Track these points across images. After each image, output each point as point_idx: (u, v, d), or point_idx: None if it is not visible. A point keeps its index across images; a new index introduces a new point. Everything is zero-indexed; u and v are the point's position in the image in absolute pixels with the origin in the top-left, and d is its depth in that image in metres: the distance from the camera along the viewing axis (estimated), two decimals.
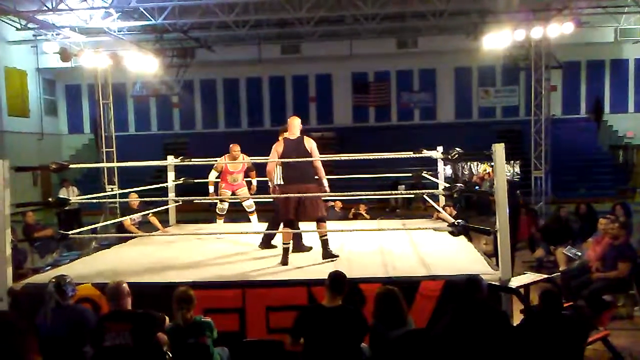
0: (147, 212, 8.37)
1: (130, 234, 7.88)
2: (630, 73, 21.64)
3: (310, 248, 6.42)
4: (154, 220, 8.41)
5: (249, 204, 7.93)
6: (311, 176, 6.04)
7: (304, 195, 5.89)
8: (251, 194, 8.02)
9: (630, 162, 20.71)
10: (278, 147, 6.10)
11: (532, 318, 4.15)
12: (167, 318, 4.13)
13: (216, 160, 7.77)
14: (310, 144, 6.04)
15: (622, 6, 15.63)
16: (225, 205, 7.99)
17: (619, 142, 21.42)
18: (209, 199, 8.90)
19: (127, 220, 8.20)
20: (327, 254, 5.96)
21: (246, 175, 8.01)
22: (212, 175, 7.83)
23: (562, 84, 21.63)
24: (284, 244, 5.92)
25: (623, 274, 6.51)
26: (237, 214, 11.78)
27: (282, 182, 6.02)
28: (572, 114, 21.77)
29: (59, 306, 4.21)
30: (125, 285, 4.16)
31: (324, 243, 6.00)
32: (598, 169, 19.50)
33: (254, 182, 8.09)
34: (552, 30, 14.01)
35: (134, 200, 8.36)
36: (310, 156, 5.99)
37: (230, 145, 7.74)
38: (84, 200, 9.53)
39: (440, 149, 7.65)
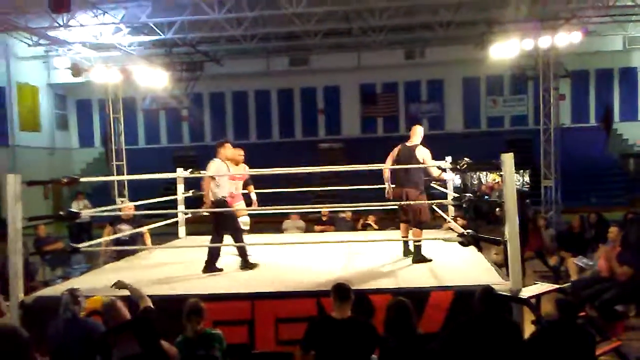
0: (146, 225, 7.72)
1: (139, 247, 7.73)
2: None
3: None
4: (146, 235, 7.73)
5: (245, 221, 7.28)
6: (413, 182, 6.29)
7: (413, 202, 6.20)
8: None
9: None
10: (393, 152, 6.51)
11: (548, 328, 4.11)
12: (151, 304, 4.13)
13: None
14: (422, 153, 6.30)
15: (630, 14, 15.59)
16: (247, 219, 7.34)
17: (629, 150, 21.25)
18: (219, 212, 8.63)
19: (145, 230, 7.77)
20: (419, 259, 6.19)
21: (243, 187, 7.44)
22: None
23: (571, 92, 21.56)
24: (416, 242, 6.29)
25: (625, 275, 6.41)
26: (265, 224, 11.80)
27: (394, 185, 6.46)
28: (582, 123, 21.67)
29: (71, 319, 4.22)
30: (118, 301, 4.17)
31: (418, 248, 6.24)
32: (608, 178, 19.36)
33: (254, 195, 7.58)
34: (560, 39, 14.00)
35: (128, 209, 7.67)
36: (418, 163, 6.25)
37: (234, 149, 7.20)
38: (94, 213, 9.58)
39: (449, 159, 7.64)
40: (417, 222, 6.34)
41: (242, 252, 6.33)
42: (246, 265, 6.27)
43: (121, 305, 4.14)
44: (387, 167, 6.51)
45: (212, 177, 6.29)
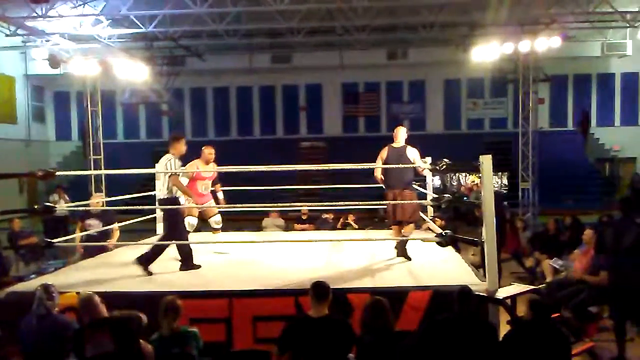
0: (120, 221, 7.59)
1: (115, 243, 7.58)
2: (617, 87, 21.91)
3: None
4: (115, 232, 7.50)
5: (217, 220, 7.20)
6: (404, 182, 6.48)
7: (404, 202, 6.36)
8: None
9: (616, 175, 20.94)
10: (382, 154, 6.60)
11: (521, 328, 4.16)
12: (144, 317, 4.09)
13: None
14: (412, 153, 6.49)
15: (609, 21, 15.85)
16: (195, 221, 7.11)
17: (605, 155, 21.64)
18: (203, 207, 8.46)
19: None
20: (403, 253, 6.36)
21: (211, 185, 7.30)
22: (184, 183, 6.75)
23: (550, 97, 21.84)
24: (404, 235, 6.47)
25: (604, 281, 6.51)
26: (244, 223, 11.68)
27: (385, 187, 6.61)
28: (560, 127, 21.98)
29: (44, 315, 4.15)
30: (95, 296, 4.12)
31: (403, 243, 6.39)
32: (585, 182, 19.69)
33: (221, 195, 7.47)
34: (540, 44, 14.19)
35: (96, 203, 7.44)
36: (409, 163, 6.42)
37: (204, 147, 7.15)
38: (69, 208, 9.43)
39: (428, 159, 7.69)
40: (412, 220, 6.60)
41: (184, 251, 6.09)
42: (187, 266, 6.06)
43: (98, 300, 4.08)
44: (377, 166, 6.55)
45: (176, 174, 6.08)
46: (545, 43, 14.14)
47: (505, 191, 18.87)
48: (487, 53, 15.10)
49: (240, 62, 20.64)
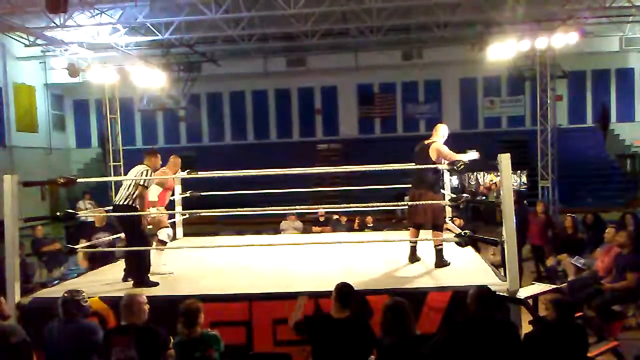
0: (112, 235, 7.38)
1: (135, 248, 7.63)
2: (636, 82, 21.55)
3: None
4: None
5: (169, 233, 6.71)
6: (427, 182, 6.12)
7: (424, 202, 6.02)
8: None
9: (637, 171, 20.58)
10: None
11: (545, 328, 4.11)
12: (171, 339, 4.11)
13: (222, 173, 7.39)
14: (433, 149, 6.03)
15: (626, 15, 15.63)
16: (171, 232, 6.86)
17: (626, 151, 21.29)
18: (218, 212, 8.30)
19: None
20: (440, 263, 6.00)
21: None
22: (155, 192, 6.47)
23: (568, 93, 21.59)
24: (437, 246, 6.03)
25: (632, 284, 6.44)
26: (262, 226, 11.65)
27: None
28: (579, 124, 21.70)
29: (69, 320, 4.21)
30: (140, 297, 4.16)
31: (439, 252, 6.03)
32: (605, 178, 19.39)
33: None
34: (557, 40, 14.02)
35: (98, 218, 6.90)
36: (432, 163, 6.02)
37: (172, 157, 6.94)
38: (90, 214, 9.54)
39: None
40: (434, 224, 6.19)
41: (142, 265, 5.78)
42: (141, 282, 5.65)
43: (142, 300, 4.11)
44: (379, 167, 6.47)
45: (145, 187, 5.89)
46: (562, 39, 13.96)
47: (524, 189, 18.66)
48: (503, 51, 14.97)
49: (256, 66, 20.75)
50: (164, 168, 6.79)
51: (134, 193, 5.83)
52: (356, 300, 4.22)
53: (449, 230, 7.62)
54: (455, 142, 6.47)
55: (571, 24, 14.13)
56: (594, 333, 5.81)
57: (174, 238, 7.98)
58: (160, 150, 6.45)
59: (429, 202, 6.00)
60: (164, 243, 6.52)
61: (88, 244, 7.70)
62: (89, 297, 4.74)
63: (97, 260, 7.39)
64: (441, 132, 6.31)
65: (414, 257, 6.33)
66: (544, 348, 3.92)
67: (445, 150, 6.05)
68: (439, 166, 6.43)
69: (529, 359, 3.91)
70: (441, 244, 6.06)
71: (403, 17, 15.65)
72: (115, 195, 6.06)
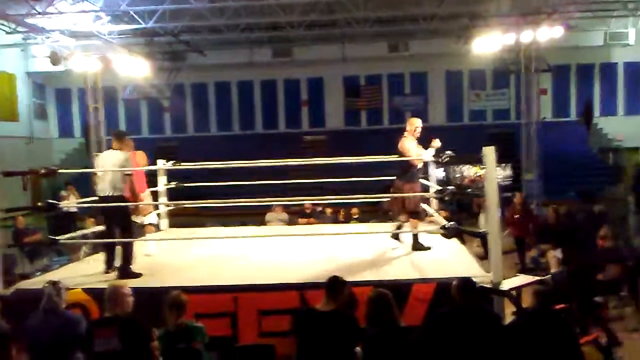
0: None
1: (118, 240, 7.58)
2: (620, 76, 21.78)
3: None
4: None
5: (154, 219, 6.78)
6: (402, 173, 6.45)
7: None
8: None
9: (620, 165, 20.86)
10: None
11: (526, 317, 4.16)
12: (155, 330, 4.08)
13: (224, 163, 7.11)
14: (402, 143, 6.37)
15: (611, 10, 15.77)
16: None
17: (609, 145, 21.54)
18: (206, 204, 8.45)
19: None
20: (416, 246, 6.33)
21: None
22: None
23: (552, 87, 21.75)
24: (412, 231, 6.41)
25: (616, 276, 6.53)
26: (248, 217, 11.60)
27: None
28: (563, 117, 21.88)
29: (52, 311, 4.16)
30: (124, 288, 4.12)
31: (414, 237, 6.36)
32: (588, 172, 19.61)
33: None
34: (541, 34, 14.12)
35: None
36: (403, 156, 6.33)
37: (127, 139, 6.44)
38: (71, 205, 9.45)
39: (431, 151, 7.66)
40: (408, 212, 6.44)
41: (127, 255, 5.71)
42: (125, 273, 5.58)
43: (127, 292, 4.07)
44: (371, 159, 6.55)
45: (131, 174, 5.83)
46: (547, 33, 14.06)
47: (509, 182, 18.80)
48: (488, 44, 15.04)
49: (241, 56, 20.58)
50: (135, 153, 6.63)
51: (119, 183, 5.72)
52: (346, 294, 4.21)
53: (433, 222, 7.66)
54: (442, 135, 6.50)
55: (556, 18, 14.22)
56: (576, 324, 5.88)
57: (158, 229, 7.96)
58: (144, 140, 6.39)
59: (405, 194, 6.27)
60: (154, 225, 6.73)
61: (72, 234, 7.60)
62: (70, 288, 4.69)
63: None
64: (412, 125, 6.52)
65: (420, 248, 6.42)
66: (525, 337, 3.96)
67: (407, 145, 6.34)
68: (425, 157, 6.46)
69: (511, 347, 3.95)
70: (416, 229, 6.42)
71: (390, 8, 15.63)
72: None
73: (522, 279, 5.37)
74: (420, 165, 6.51)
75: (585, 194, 13.42)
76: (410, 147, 6.36)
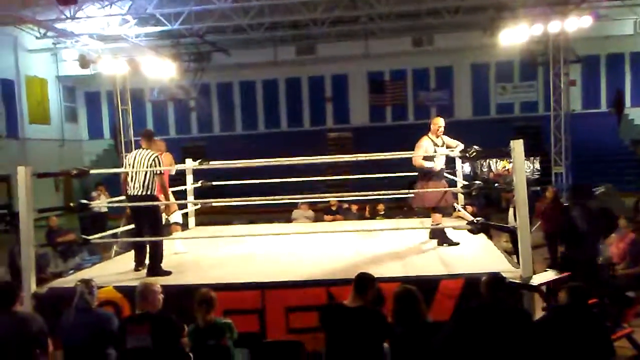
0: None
1: (147, 239, 7.71)
2: None
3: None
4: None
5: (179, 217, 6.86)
6: (424, 172, 6.46)
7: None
8: None
9: None
10: None
11: (558, 313, 4.09)
12: (185, 327, 4.14)
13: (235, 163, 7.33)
14: (417, 143, 6.42)
15: None
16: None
17: None
18: (230, 202, 8.56)
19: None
20: (442, 241, 6.34)
21: None
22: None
23: (582, 78, 21.31)
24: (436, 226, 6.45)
25: None
26: (275, 214, 11.68)
27: None
28: (592, 109, 21.44)
29: (85, 309, 4.25)
30: (155, 285, 4.19)
31: (442, 231, 6.38)
32: (620, 164, 19.15)
33: None
34: (570, 24, 13.84)
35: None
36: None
37: (159, 141, 6.63)
38: (102, 205, 9.62)
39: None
40: (433, 208, 6.50)
41: (157, 253, 5.72)
42: (155, 271, 5.62)
43: (157, 289, 4.15)
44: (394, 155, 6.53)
45: (162, 173, 5.90)
46: (575, 23, 13.78)
47: (537, 176, 18.50)
48: (515, 36, 14.79)
49: (265, 55, 20.72)
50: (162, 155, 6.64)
51: (151, 182, 5.79)
52: (374, 291, 4.20)
53: (461, 217, 7.58)
54: (468, 129, 6.45)
55: (584, 7, 13.94)
56: (609, 319, 5.77)
57: (185, 228, 8.07)
58: (171, 141, 6.49)
59: (429, 190, 6.32)
60: (179, 224, 6.79)
61: (103, 234, 7.76)
62: (102, 287, 4.80)
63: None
64: (435, 124, 6.50)
65: (447, 242, 6.40)
66: (556, 333, 3.90)
67: (419, 150, 6.35)
68: (452, 153, 6.41)
69: (542, 344, 3.89)
70: (440, 224, 6.43)
71: (413, 3, 15.52)
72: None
73: (552, 274, 5.27)
74: (437, 168, 6.42)
75: (578, 189, 13.12)
76: (421, 149, 6.35)
